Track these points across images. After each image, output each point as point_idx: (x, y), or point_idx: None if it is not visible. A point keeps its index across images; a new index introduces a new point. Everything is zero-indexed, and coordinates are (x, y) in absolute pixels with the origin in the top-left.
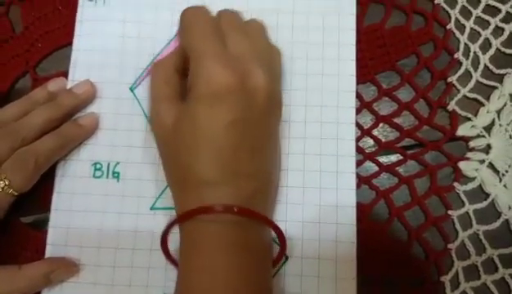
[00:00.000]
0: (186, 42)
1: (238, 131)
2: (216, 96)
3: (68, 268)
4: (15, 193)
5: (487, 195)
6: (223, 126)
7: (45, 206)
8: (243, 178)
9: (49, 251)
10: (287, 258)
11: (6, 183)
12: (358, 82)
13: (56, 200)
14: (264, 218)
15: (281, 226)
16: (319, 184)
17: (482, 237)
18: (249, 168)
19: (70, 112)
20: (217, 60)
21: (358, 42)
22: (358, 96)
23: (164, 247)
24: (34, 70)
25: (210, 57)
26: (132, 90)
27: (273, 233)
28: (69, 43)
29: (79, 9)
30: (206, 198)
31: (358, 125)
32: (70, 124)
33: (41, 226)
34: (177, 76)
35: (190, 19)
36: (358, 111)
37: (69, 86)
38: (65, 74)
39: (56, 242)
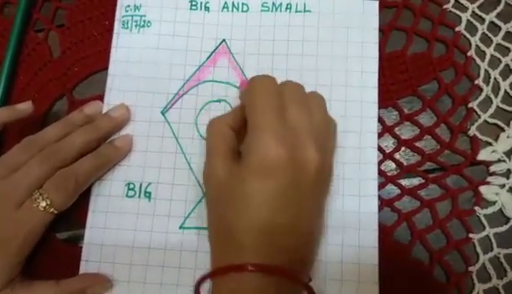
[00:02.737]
0: (249, 109)
1: (283, 204)
2: (267, 170)
3: (102, 284)
4: (56, 212)
5: (508, 219)
6: (269, 198)
7: (79, 222)
8: (278, 249)
9: (83, 267)
10: (310, 279)
11: (48, 202)
12: (380, 107)
13: (91, 218)
14: (294, 276)
15: None
16: (342, 206)
17: (503, 260)
18: (287, 242)
19: (107, 134)
20: (273, 136)
21: (381, 68)
22: (380, 121)
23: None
24: (71, 93)
25: (267, 132)
26: (163, 114)
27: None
28: (104, 68)
29: (115, 36)
30: (241, 258)
31: (380, 149)
32: (107, 146)
33: (75, 242)
34: (233, 134)
35: (258, 87)
36: (380, 135)
37: (104, 110)
38: (100, 97)
39: (90, 259)
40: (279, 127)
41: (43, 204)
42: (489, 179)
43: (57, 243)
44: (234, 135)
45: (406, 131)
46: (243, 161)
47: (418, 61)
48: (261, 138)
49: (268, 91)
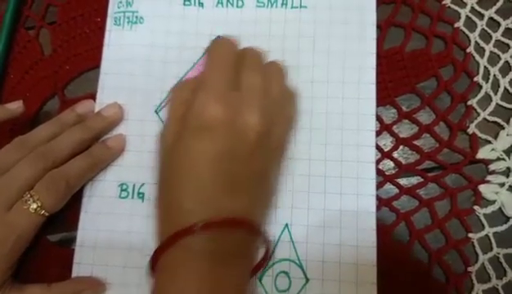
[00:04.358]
0: (204, 67)
1: (221, 166)
2: (203, 129)
3: (95, 287)
4: (47, 214)
5: (508, 218)
6: (206, 160)
7: (71, 225)
8: (223, 212)
9: (76, 270)
10: (308, 280)
11: (39, 204)
12: (378, 105)
13: (84, 220)
14: (243, 222)
15: (302, 231)
16: (339, 206)
17: (502, 260)
18: (230, 205)
19: (99, 134)
20: (214, 94)
21: (378, 65)
22: (378, 119)
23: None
24: (62, 92)
25: (210, 89)
26: (157, 112)
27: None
28: (97, 66)
29: (107, 33)
30: (186, 223)
31: (378, 147)
32: (100, 146)
33: (67, 244)
34: None
35: (216, 48)
36: (378, 133)
37: (97, 109)
38: (92, 96)
39: (82, 261)
40: (224, 87)
41: (34, 206)
42: (489, 177)
43: (49, 246)
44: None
45: (405, 130)
46: (182, 122)
47: (416, 58)
48: (202, 95)
49: (226, 52)
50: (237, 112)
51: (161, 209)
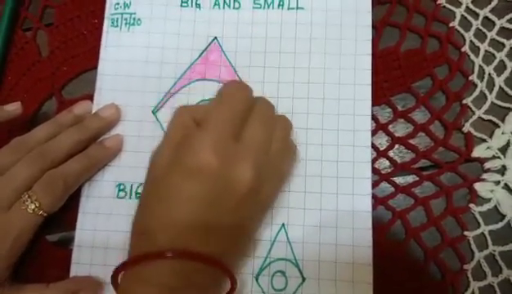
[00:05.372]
0: (211, 108)
1: (198, 207)
2: (193, 172)
3: (93, 287)
4: (45, 214)
5: (503, 216)
6: (188, 200)
7: (70, 224)
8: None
9: (74, 270)
10: (304, 279)
11: (37, 205)
12: (374, 104)
13: (81, 220)
14: (212, 260)
15: (299, 231)
16: (335, 206)
17: (498, 258)
18: (199, 248)
19: (96, 134)
20: (213, 142)
21: (374, 64)
22: (374, 118)
23: (116, 285)
24: (60, 93)
25: (210, 136)
26: (154, 113)
27: None
28: (94, 67)
29: (104, 35)
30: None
31: (374, 146)
32: (97, 146)
33: (66, 244)
34: (194, 127)
35: (230, 91)
36: (374, 133)
37: (94, 110)
38: (90, 97)
39: (80, 261)
40: (226, 135)
41: (32, 206)
42: (484, 176)
43: (47, 246)
44: (195, 128)
45: (400, 129)
46: (176, 156)
47: (411, 58)
48: (201, 140)
49: (239, 98)
50: (231, 164)
51: (134, 231)
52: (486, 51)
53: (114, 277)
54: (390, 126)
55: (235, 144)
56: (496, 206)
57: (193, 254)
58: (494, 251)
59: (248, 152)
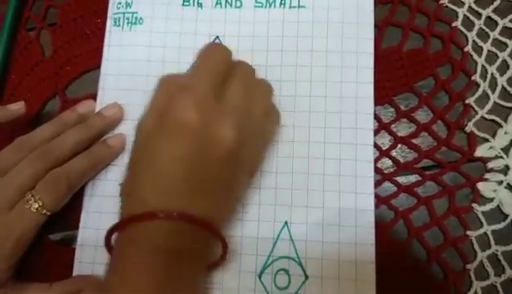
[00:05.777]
0: (193, 69)
1: (183, 166)
2: (177, 132)
3: (96, 286)
4: (48, 213)
5: (506, 216)
6: (172, 159)
7: (72, 224)
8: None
9: (77, 269)
10: (307, 277)
11: (40, 204)
12: (376, 104)
13: (85, 219)
14: (205, 222)
15: (301, 229)
16: (338, 204)
17: (501, 257)
18: (188, 204)
19: (100, 133)
20: (195, 100)
21: (376, 64)
22: (376, 118)
23: (109, 247)
24: (63, 93)
25: (191, 94)
26: None
27: None
28: (97, 67)
29: (107, 34)
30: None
31: (377, 146)
32: (100, 145)
33: (69, 243)
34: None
35: (209, 52)
36: (376, 132)
37: (97, 109)
38: (93, 96)
39: (83, 260)
40: (207, 94)
41: (36, 206)
42: (487, 175)
43: (50, 245)
44: (177, 92)
45: (403, 128)
46: (161, 116)
47: (414, 57)
48: (183, 98)
49: (218, 58)
50: (213, 121)
51: (123, 195)
52: (489, 50)
53: (106, 239)
54: (393, 125)
55: (217, 103)
56: (498, 205)
57: (186, 215)
58: (497, 250)
59: (229, 110)
